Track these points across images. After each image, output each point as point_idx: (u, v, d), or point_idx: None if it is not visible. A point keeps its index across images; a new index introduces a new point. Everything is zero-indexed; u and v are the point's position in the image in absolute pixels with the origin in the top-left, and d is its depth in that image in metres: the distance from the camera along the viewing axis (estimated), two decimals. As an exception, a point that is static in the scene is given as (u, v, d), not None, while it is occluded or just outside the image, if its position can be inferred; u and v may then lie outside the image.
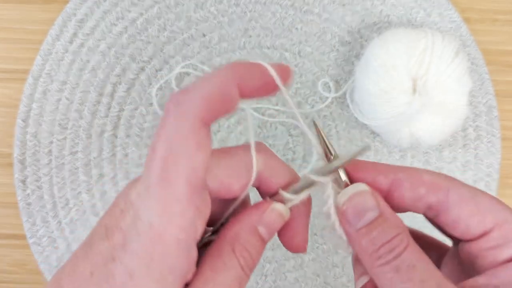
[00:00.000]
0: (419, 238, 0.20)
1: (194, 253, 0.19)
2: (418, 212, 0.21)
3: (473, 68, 0.47)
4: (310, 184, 0.21)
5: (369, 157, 0.46)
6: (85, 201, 0.45)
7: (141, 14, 0.48)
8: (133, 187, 0.19)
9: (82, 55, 0.47)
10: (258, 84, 0.19)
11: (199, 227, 0.19)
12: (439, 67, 0.40)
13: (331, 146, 0.22)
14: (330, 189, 0.21)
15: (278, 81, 0.19)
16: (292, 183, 0.22)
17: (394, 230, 0.19)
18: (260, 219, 0.20)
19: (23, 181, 0.45)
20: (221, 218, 0.22)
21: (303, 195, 0.21)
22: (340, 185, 0.21)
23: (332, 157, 0.22)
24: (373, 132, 0.46)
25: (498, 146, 0.46)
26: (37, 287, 0.46)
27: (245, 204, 0.22)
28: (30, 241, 0.45)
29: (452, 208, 0.20)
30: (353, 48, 0.48)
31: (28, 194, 0.45)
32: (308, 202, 0.22)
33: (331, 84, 0.47)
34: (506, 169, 0.47)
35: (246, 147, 0.21)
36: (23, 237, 0.45)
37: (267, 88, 0.19)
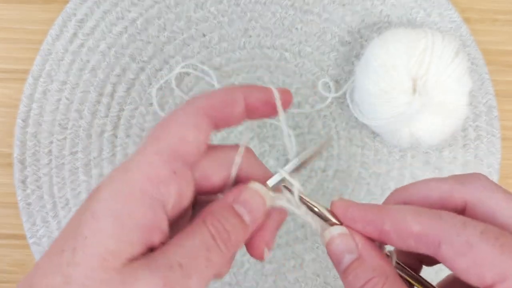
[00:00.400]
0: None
1: (160, 214, 0.19)
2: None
3: (473, 68, 0.47)
4: (281, 181, 0.21)
5: (369, 157, 0.46)
6: (85, 201, 0.45)
7: (141, 14, 0.48)
8: None
9: (82, 55, 0.47)
10: (260, 99, 0.21)
11: (172, 195, 0.19)
12: (439, 67, 0.40)
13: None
14: (318, 229, 0.21)
15: (278, 102, 0.21)
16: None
17: (368, 274, 0.19)
18: (236, 197, 0.20)
19: (23, 181, 0.45)
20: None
21: (275, 181, 0.21)
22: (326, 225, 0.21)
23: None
24: (373, 132, 0.46)
25: (498, 146, 0.46)
26: (37, 287, 0.46)
27: None
28: (30, 241, 0.45)
29: (447, 261, 0.18)
30: (353, 48, 0.48)
31: (28, 194, 0.45)
32: (283, 211, 0.22)
33: (331, 84, 0.47)
34: (506, 169, 0.47)
35: (232, 146, 0.22)
36: (23, 237, 0.45)
37: (268, 108, 0.21)
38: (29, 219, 0.45)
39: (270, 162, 0.46)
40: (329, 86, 0.47)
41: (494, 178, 0.46)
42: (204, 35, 0.48)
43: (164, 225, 0.19)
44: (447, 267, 0.19)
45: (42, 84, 0.46)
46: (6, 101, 0.47)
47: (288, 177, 0.21)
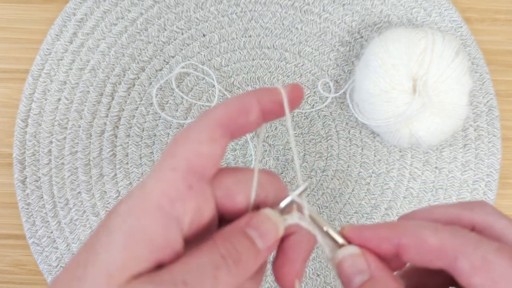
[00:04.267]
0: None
1: (174, 232, 0.18)
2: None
3: (473, 68, 0.47)
4: (290, 205, 0.21)
5: (369, 157, 0.46)
6: (85, 201, 0.45)
7: (141, 14, 0.48)
8: None
9: (81, 55, 0.47)
10: (273, 102, 0.21)
11: (188, 212, 0.19)
12: (439, 67, 0.40)
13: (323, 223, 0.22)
14: (328, 252, 0.21)
15: (285, 103, 0.21)
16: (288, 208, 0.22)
17: None
18: (248, 221, 0.20)
19: (23, 181, 0.45)
20: None
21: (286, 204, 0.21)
22: (336, 246, 0.21)
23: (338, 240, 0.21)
24: (373, 132, 0.46)
25: (499, 146, 0.46)
26: (37, 287, 0.46)
27: None
28: (30, 241, 0.45)
29: (463, 276, 0.19)
30: (353, 48, 0.48)
31: (28, 194, 0.45)
32: (312, 239, 0.22)
33: (331, 84, 0.47)
34: (506, 169, 0.47)
35: (261, 170, 0.22)
36: (23, 237, 0.45)
37: (282, 108, 0.21)
38: (28, 219, 0.45)
39: (270, 162, 0.46)
40: (329, 86, 0.47)
41: (495, 178, 0.46)
42: (204, 35, 0.47)
43: (177, 243, 0.19)
44: (461, 282, 0.19)
45: (42, 84, 0.46)
46: (5, 101, 0.47)
47: (297, 199, 0.21)
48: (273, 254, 0.22)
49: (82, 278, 0.17)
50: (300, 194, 0.21)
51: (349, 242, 0.21)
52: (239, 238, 0.19)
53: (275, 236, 0.20)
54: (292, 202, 0.21)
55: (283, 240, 0.22)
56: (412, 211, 0.23)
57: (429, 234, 0.19)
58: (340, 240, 0.21)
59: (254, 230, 0.20)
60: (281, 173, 0.46)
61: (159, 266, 0.18)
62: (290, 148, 0.46)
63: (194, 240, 0.20)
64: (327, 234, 0.21)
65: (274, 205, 0.21)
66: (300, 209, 0.22)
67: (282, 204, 0.21)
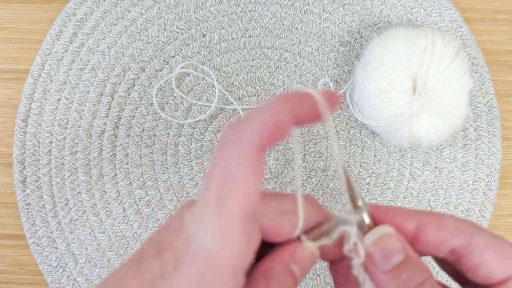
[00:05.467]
0: None
1: (242, 281, 0.19)
2: (440, 256, 0.21)
3: (473, 68, 0.47)
4: (338, 224, 0.21)
5: (369, 157, 0.46)
6: (85, 201, 0.45)
7: (141, 14, 0.48)
8: (188, 210, 0.19)
9: (81, 55, 0.47)
10: (309, 111, 0.20)
11: (250, 255, 0.19)
12: (439, 67, 0.40)
13: (359, 193, 0.22)
14: (355, 229, 0.21)
15: (324, 109, 0.20)
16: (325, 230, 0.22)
17: (423, 275, 0.20)
18: (292, 256, 0.20)
19: (23, 181, 0.45)
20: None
21: (330, 235, 0.21)
22: (363, 229, 0.21)
23: (358, 204, 0.22)
24: (373, 132, 0.46)
25: (499, 146, 0.46)
26: (37, 287, 0.46)
27: None
28: (30, 241, 0.45)
29: (475, 253, 0.20)
30: (353, 48, 0.48)
31: (28, 194, 0.45)
32: (315, 257, 0.22)
33: (331, 84, 0.47)
34: (506, 169, 0.47)
35: (295, 195, 0.21)
36: (23, 237, 0.45)
37: (316, 115, 0.20)
38: (28, 219, 0.45)
39: (270, 162, 0.46)
40: (329, 86, 0.47)
41: (495, 178, 0.46)
42: (204, 35, 0.47)
43: (243, 286, 0.19)
44: (472, 260, 0.20)
45: (42, 84, 0.46)
46: (5, 101, 0.47)
47: (349, 217, 0.21)
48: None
49: None
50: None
51: (374, 220, 0.21)
52: (286, 277, 0.20)
53: (311, 266, 0.21)
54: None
55: (335, 267, 0.22)
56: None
57: (447, 217, 0.21)
58: (367, 219, 0.21)
59: (297, 265, 0.20)
60: (281, 173, 0.46)
61: None
62: (290, 147, 0.46)
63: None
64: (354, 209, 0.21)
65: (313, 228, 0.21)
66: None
67: (334, 234, 0.21)
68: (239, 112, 0.46)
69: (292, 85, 0.47)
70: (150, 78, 0.47)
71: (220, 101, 0.47)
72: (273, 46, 0.47)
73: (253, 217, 0.18)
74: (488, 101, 0.47)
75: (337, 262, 0.22)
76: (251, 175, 0.17)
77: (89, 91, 0.46)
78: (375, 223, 0.21)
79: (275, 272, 0.20)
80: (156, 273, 0.18)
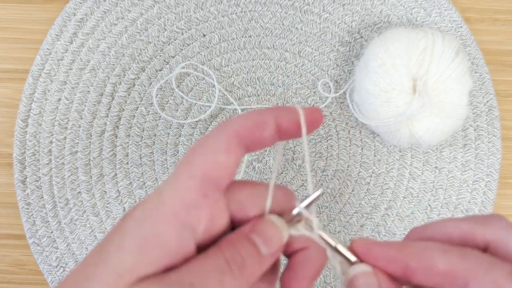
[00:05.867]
0: None
1: (187, 239, 0.19)
2: None
3: (473, 68, 0.47)
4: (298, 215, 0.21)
5: (369, 157, 0.46)
6: (85, 201, 0.45)
7: (141, 14, 0.48)
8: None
9: (82, 55, 0.47)
10: (291, 122, 0.21)
11: (202, 220, 0.19)
12: (439, 67, 0.40)
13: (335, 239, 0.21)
14: (338, 268, 0.21)
15: (303, 124, 0.21)
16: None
17: None
18: (253, 227, 0.20)
19: (23, 181, 0.45)
20: None
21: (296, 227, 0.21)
22: (349, 264, 0.21)
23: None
24: (373, 132, 0.46)
25: (499, 146, 0.46)
26: (37, 287, 0.46)
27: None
28: (30, 241, 0.45)
29: None
30: (353, 48, 0.48)
31: (28, 194, 0.45)
32: (322, 258, 0.22)
33: (331, 84, 0.47)
34: (506, 169, 0.47)
35: (277, 186, 0.22)
36: (23, 237, 0.45)
37: (299, 128, 0.21)
38: (28, 219, 0.45)
39: (270, 162, 0.46)
40: (329, 86, 0.47)
41: (495, 178, 0.46)
42: (204, 35, 0.47)
43: (189, 250, 0.19)
44: None
45: (42, 84, 0.46)
46: (6, 101, 0.47)
47: (305, 212, 0.21)
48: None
49: (91, 277, 0.18)
50: (309, 206, 0.21)
51: (359, 257, 0.21)
52: (243, 243, 0.20)
53: (279, 243, 0.20)
54: (304, 217, 0.21)
55: (293, 254, 0.22)
56: (425, 224, 0.22)
57: (438, 257, 0.19)
58: (352, 257, 0.21)
59: (258, 236, 0.20)
60: (281, 173, 0.46)
61: (168, 269, 0.18)
62: (290, 147, 0.46)
63: (207, 247, 0.20)
64: (336, 249, 0.21)
65: (285, 217, 0.21)
66: (309, 222, 0.22)
67: (294, 211, 0.21)
68: (239, 112, 0.46)
69: (292, 85, 0.47)
70: (150, 78, 0.47)
71: (220, 101, 0.47)
72: (273, 46, 0.47)
73: (214, 185, 0.20)
74: (488, 101, 0.47)
75: (295, 252, 0.22)
76: (222, 151, 0.20)
77: (89, 91, 0.46)
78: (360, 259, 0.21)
79: (230, 239, 0.20)
80: (116, 225, 0.20)
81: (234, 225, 0.21)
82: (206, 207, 0.19)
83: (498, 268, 0.18)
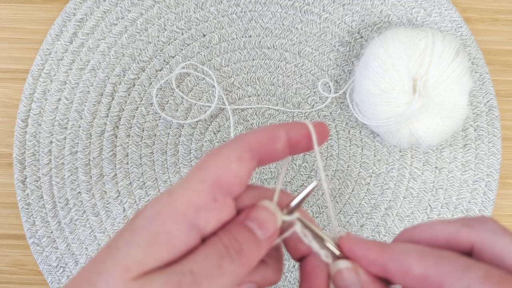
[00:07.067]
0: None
1: (195, 239, 0.20)
2: None
3: (473, 68, 0.47)
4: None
5: (369, 157, 0.46)
6: (85, 201, 0.45)
7: (141, 14, 0.47)
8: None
9: (81, 55, 0.47)
10: (301, 135, 0.22)
11: (211, 222, 0.20)
12: (439, 67, 0.40)
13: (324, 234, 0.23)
14: (325, 259, 0.22)
15: (314, 137, 0.22)
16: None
17: None
18: (247, 214, 0.21)
19: (23, 181, 0.45)
20: None
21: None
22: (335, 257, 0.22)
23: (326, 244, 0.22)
24: (373, 132, 0.46)
25: (499, 146, 0.46)
26: (37, 287, 0.46)
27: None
28: (30, 241, 0.45)
29: None
30: (353, 48, 0.48)
31: (28, 194, 0.45)
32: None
33: (331, 84, 0.47)
34: (506, 169, 0.47)
35: (273, 189, 0.23)
36: (23, 237, 0.45)
37: (309, 142, 0.23)
38: (28, 219, 0.45)
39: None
40: (329, 86, 0.47)
41: (495, 178, 0.46)
42: (204, 35, 0.47)
43: (196, 245, 0.20)
44: None
45: (42, 84, 0.46)
46: (6, 101, 0.47)
47: (297, 201, 0.23)
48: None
49: (100, 272, 0.18)
50: (304, 198, 0.23)
51: (344, 254, 0.22)
52: (239, 229, 0.21)
53: (273, 226, 0.21)
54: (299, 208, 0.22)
55: (303, 261, 0.23)
56: (414, 225, 0.22)
57: (414, 261, 0.19)
58: (337, 252, 0.22)
59: (252, 221, 0.21)
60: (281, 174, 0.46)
61: (172, 262, 0.19)
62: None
63: None
64: (323, 243, 0.22)
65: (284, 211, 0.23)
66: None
67: (293, 203, 0.23)
68: (230, 113, 0.46)
69: (292, 85, 0.47)
70: (150, 78, 0.47)
71: (220, 101, 0.47)
72: (273, 46, 0.47)
73: (225, 191, 0.21)
74: (488, 101, 0.47)
75: (305, 259, 0.23)
76: (235, 160, 0.21)
77: (89, 91, 0.46)
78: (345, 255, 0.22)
79: (227, 227, 0.21)
80: (127, 224, 0.20)
81: None
82: (215, 211, 0.20)
83: (472, 272, 0.18)
